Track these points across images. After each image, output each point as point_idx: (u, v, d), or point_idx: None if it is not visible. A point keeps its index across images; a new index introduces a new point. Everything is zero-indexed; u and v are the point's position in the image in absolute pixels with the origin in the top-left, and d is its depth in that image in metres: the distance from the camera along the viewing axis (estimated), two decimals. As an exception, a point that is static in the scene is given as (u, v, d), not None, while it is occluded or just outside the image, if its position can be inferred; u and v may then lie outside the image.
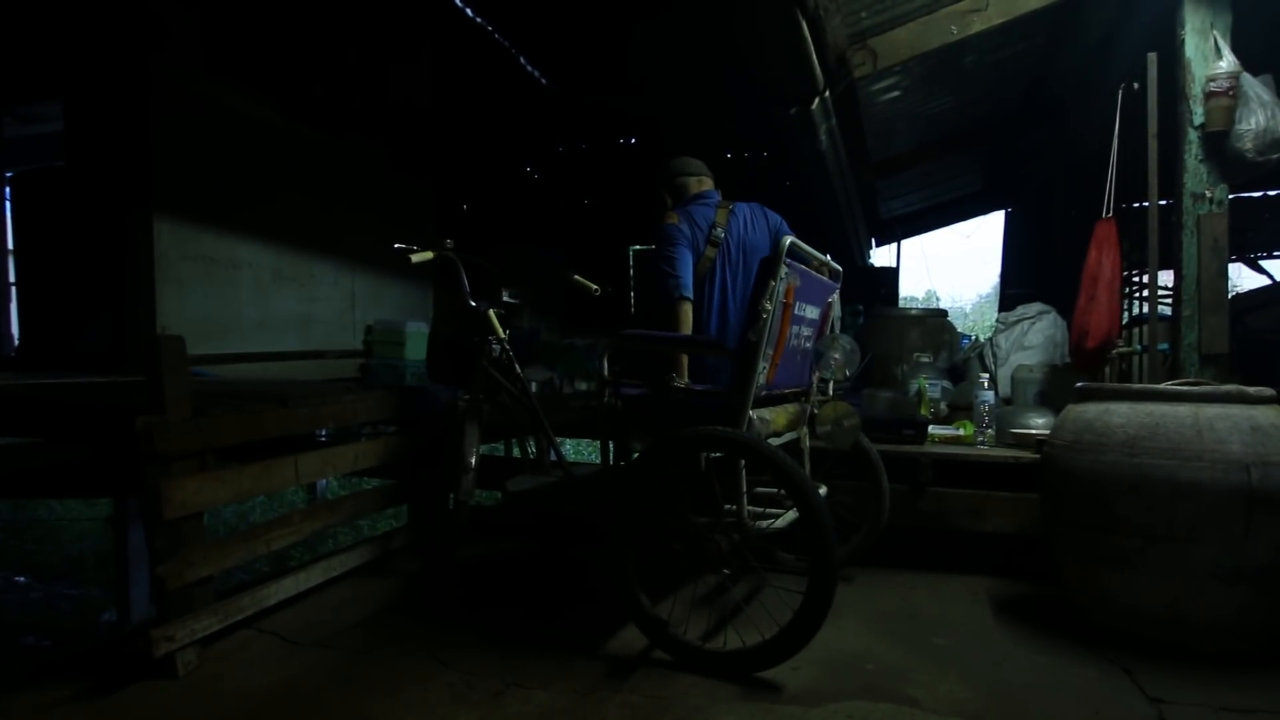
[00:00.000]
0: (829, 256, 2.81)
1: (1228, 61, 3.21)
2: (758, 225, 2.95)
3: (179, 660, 2.16)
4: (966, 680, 2.16)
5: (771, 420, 2.37)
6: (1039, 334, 4.31)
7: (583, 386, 4.65)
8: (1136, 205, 4.54)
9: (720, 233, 2.86)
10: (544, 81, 8.05)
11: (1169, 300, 3.71)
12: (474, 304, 2.92)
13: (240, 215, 4.91)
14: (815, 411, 2.69)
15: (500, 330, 2.92)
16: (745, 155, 8.52)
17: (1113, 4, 4.60)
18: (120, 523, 3.69)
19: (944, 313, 5.36)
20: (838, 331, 2.80)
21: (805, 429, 2.71)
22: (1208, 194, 3.33)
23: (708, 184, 3.06)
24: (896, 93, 5.53)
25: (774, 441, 2.36)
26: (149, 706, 2.02)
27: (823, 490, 2.69)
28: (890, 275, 9.06)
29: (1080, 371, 3.66)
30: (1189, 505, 2.21)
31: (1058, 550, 2.60)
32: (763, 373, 2.25)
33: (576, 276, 3.17)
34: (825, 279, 2.70)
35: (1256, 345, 4.59)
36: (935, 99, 6.13)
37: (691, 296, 2.78)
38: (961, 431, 3.43)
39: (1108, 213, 3.63)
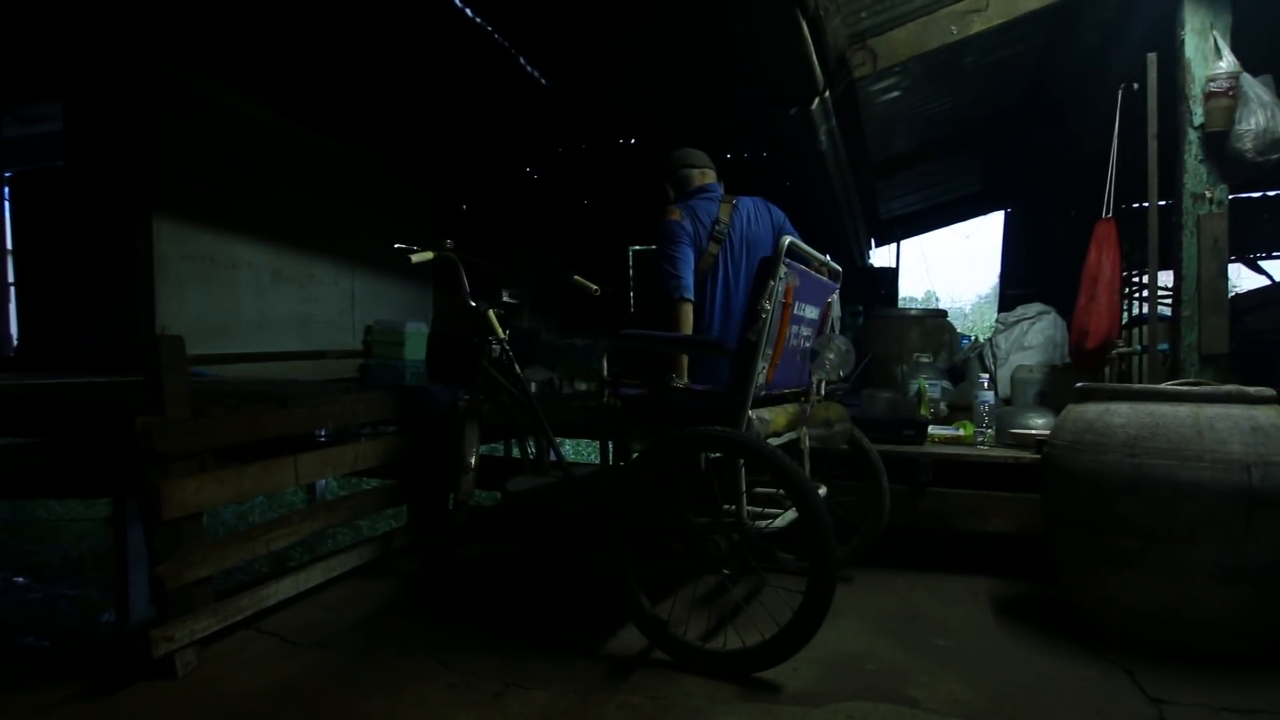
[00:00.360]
0: (828, 256, 2.80)
1: (1228, 62, 3.20)
2: (761, 220, 2.92)
3: (178, 661, 2.16)
4: (967, 681, 2.16)
5: (771, 420, 2.36)
6: (1039, 334, 4.31)
7: (583, 386, 4.65)
8: (1136, 206, 4.54)
9: (723, 228, 2.84)
10: (544, 82, 8.05)
11: (1169, 300, 3.71)
12: (474, 304, 2.92)
13: (240, 215, 4.90)
14: (808, 413, 2.69)
15: (500, 330, 2.91)
16: (745, 156, 8.52)
17: (1112, 4, 4.60)
18: (119, 523, 3.69)
19: (943, 313, 5.36)
20: (836, 332, 2.80)
21: (805, 429, 2.70)
22: (1208, 194, 3.33)
23: (711, 176, 3.02)
24: (896, 93, 5.53)
25: (773, 441, 2.36)
26: (148, 707, 2.02)
27: (822, 490, 2.69)
28: (890, 275, 9.05)
29: (1080, 372, 3.66)
30: (1190, 505, 2.21)
31: (1058, 551, 2.60)
32: (762, 372, 2.25)
33: (576, 277, 3.17)
34: (825, 279, 2.70)
35: (1256, 345, 4.58)
36: (935, 99, 6.13)
37: (693, 297, 2.76)
38: (961, 432, 3.43)
39: (1107, 213, 3.63)
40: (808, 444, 2.70)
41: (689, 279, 2.76)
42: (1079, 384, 2.69)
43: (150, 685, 2.11)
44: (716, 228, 2.84)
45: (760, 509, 2.48)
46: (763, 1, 3.42)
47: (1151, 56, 3.40)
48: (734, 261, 2.84)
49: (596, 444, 2.88)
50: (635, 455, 2.45)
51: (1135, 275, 5.81)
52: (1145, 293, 4.53)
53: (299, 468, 2.65)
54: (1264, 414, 2.29)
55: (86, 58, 4.32)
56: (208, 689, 2.11)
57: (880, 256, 11.93)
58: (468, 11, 6.88)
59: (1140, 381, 4.23)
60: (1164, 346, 3.71)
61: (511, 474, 2.97)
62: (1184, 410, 2.32)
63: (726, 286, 2.84)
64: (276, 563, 4.04)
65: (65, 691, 2.10)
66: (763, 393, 2.30)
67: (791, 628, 2.06)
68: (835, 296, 2.82)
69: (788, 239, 2.24)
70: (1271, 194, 7.89)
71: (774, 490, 2.58)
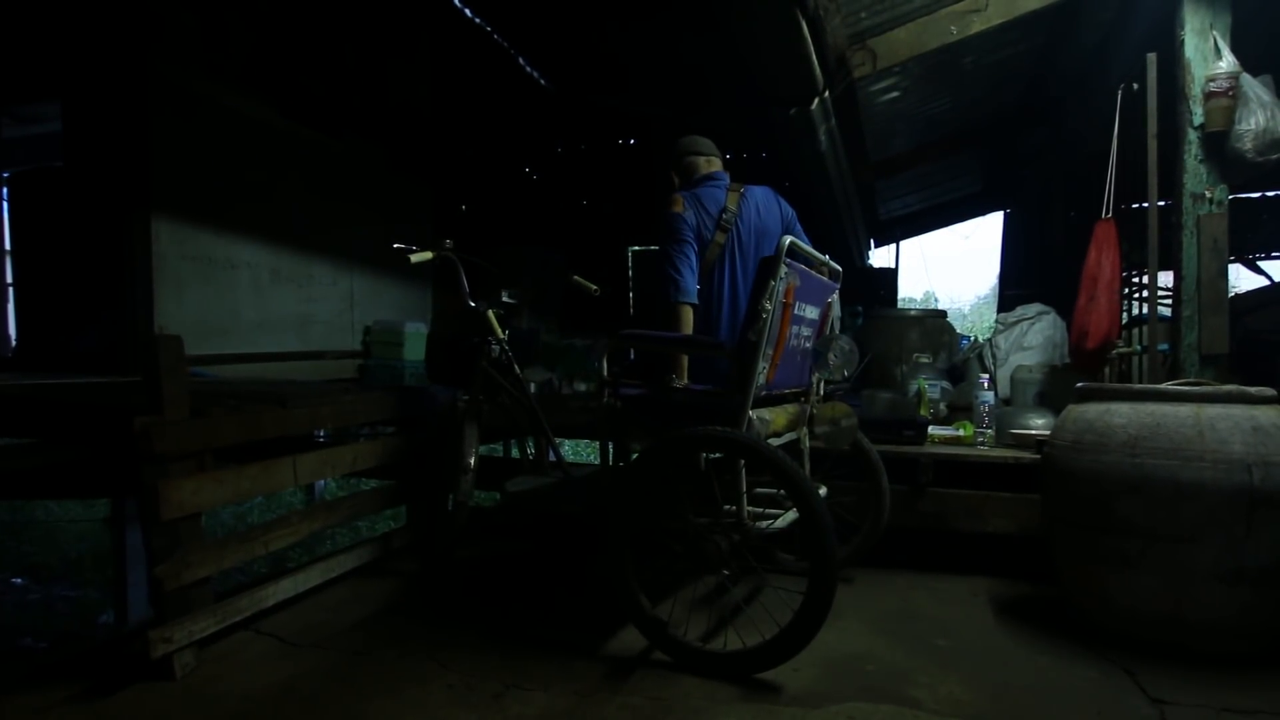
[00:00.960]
0: (828, 256, 2.79)
1: (1227, 62, 3.20)
2: (771, 212, 2.87)
3: (176, 662, 2.15)
4: (968, 681, 2.16)
5: (771, 420, 2.36)
6: (1038, 334, 4.31)
7: (582, 386, 4.64)
8: (1136, 206, 4.54)
9: (730, 217, 2.78)
10: (543, 82, 8.05)
11: (1169, 300, 3.71)
12: (473, 304, 2.91)
13: (239, 215, 4.90)
14: (813, 412, 2.68)
15: (499, 331, 2.91)
16: (745, 156, 8.52)
17: (1112, 4, 4.61)
18: (118, 524, 3.68)
19: (943, 313, 5.35)
20: (837, 332, 2.79)
21: (805, 429, 2.70)
22: (1207, 194, 3.33)
23: (717, 164, 2.96)
24: (896, 93, 5.53)
25: (774, 442, 2.36)
26: (146, 708, 2.01)
27: (823, 491, 2.69)
28: (889, 276, 9.03)
29: (1080, 372, 3.66)
30: (1190, 505, 2.20)
31: (1058, 551, 2.59)
32: (762, 373, 2.24)
33: (576, 277, 3.16)
34: (825, 279, 2.69)
35: (1256, 345, 4.59)
36: (934, 99, 6.12)
37: (693, 300, 2.72)
38: (961, 432, 3.42)
39: (1107, 213, 3.63)
40: (808, 444, 2.69)
41: (689, 282, 2.72)
42: (1079, 384, 2.68)
43: (148, 686, 2.11)
44: (724, 216, 2.78)
45: (761, 509, 2.48)
46: (763, 1, 3.42)
47: (1151, 56, 3.40)
48: (742, 253, 2.78)
49: (596, 444, 2.87)
50: (635, 455, 2.45)
51: (1135, 275, 5.82)
52: (1145, 293, 4.54)
53: (298, 468, 2.65)
54: (1265, 414, 2.29)
55: (85, 58, 4.32)
56: (206, 690, 2.11)
57: (880, 257, 11.94)
58: (467, 11, 6.88)
59: (1140, 382, 4.23)
60: (1164, 346, 3.71)
61: (511, 474, 2.97)
62: (1185, 410, 2.31)
63: (733, 279, 2.77)
64: (275, 563, 4.04)
65: (63, 693, 2.09)
66: (763, 393, 2.30)
67: (792, 628, 2.06)
68: (835, 296, 2.82)
69: (788, 239, 2.23)
70: (1271, 194, 7.89)
71: (774, 490, 2.58)
